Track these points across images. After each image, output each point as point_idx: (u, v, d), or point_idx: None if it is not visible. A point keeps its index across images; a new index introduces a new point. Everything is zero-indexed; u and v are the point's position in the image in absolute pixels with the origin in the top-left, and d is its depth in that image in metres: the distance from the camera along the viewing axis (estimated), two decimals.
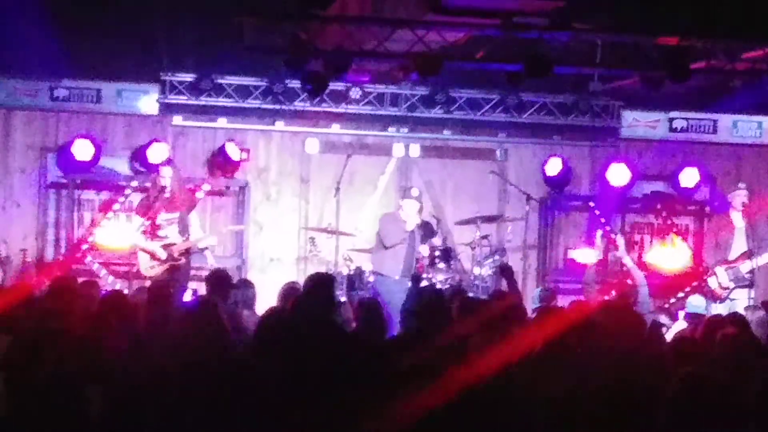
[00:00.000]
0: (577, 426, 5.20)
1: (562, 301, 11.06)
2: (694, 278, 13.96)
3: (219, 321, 6.97)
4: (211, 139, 14.49)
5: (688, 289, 14.46)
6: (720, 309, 11.68)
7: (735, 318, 8.46)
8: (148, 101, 14.27)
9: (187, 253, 12.14)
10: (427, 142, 14.99)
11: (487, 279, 13.27)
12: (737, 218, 12.54)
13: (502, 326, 7.35)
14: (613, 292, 11.37)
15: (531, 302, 11.20)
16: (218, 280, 9.56)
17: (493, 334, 7.06)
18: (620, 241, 11.54)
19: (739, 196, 12.61)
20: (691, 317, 10.27)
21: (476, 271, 13.25)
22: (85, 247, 13.73)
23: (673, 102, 14.83)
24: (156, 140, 13.91)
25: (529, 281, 14.72)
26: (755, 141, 15.55)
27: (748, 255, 12.29)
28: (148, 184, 12.72)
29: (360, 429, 4.97)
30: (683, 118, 15.40)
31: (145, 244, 12.06)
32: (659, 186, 15.27)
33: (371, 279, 12.59)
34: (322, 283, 8.19)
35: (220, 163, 14.29)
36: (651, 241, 15.18)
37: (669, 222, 15.03)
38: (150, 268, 12.08)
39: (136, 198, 13.39)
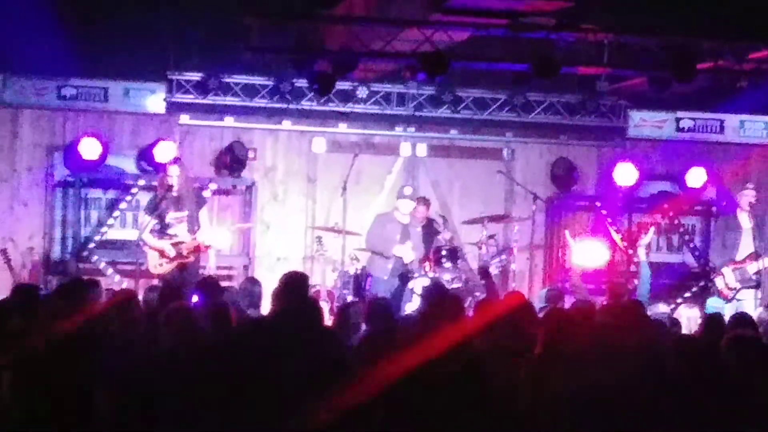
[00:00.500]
0: (577, 426, 5.22)
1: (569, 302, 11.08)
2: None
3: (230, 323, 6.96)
4: (218, 138, 14.50)
5: (695, 289, 14.49)
6: (727, 309, 11.68)
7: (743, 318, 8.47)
8: (155, 100, 14.26)
9: (196, 251, 12.14)
10: (434, 142, 14.98)
11: (493, 278, 13.25)
12: (744, 219, 12.53)
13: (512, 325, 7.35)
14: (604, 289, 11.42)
15: (537, 302, 11.20)
16: (209, 287, 9.28)
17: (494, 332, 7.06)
18: (651, 232, 12.04)
19: (746, 197, 12.58)
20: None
21: None
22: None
23: (680, 102, 14.82)
24: (163, 139, 13.90)
25: (536, 281, 14.73)
26: (762, 141, 15.51)
27: (756, 256, 12.28)
28: (155, 183, 12.75)
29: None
30: (690, 118, 15.37)
31: (154, 242, 12.08)
32: (666, 186, 15.24)
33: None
34: (293, 282, 7.55)
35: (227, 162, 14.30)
36: (658, 241, 15.17)
37: (675, 222, 15.02)
38: (158, 266, 12.09)
39: (143, 197, 13.41)
